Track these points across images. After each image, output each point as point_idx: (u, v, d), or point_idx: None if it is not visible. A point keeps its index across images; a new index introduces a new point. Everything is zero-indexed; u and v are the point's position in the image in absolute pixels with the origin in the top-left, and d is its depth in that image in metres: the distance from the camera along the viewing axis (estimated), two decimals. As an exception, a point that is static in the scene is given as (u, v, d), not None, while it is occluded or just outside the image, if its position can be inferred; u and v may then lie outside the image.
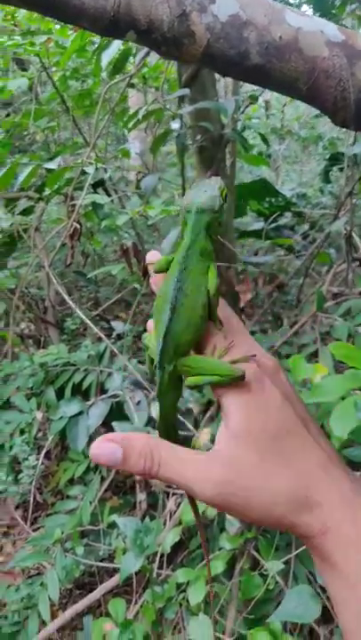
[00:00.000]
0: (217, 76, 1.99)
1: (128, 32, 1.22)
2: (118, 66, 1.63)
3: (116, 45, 1.53)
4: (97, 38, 2.62)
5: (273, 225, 2.52)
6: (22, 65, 4.02)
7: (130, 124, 1.62)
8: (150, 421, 1.82)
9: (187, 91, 1.43)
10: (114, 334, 1.93)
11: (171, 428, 0.55)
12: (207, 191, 0.52)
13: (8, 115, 2.94)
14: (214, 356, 0.48)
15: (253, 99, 1.93)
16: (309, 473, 0.40)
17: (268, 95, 3.71)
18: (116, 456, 0.42)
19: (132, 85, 2.17)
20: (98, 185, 2.16)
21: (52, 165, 1.56)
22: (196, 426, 1.77)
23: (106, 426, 2.00)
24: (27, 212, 2.74)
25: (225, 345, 0.48)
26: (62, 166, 1.58)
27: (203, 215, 0.51)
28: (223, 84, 2.98)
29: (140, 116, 1.48)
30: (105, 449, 0.43)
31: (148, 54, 1.66)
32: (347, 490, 0.39)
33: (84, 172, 1.81)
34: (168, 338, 0.48)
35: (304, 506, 0.39)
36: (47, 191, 2.33)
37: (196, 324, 0.48)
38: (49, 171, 1.88)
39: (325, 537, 0.38)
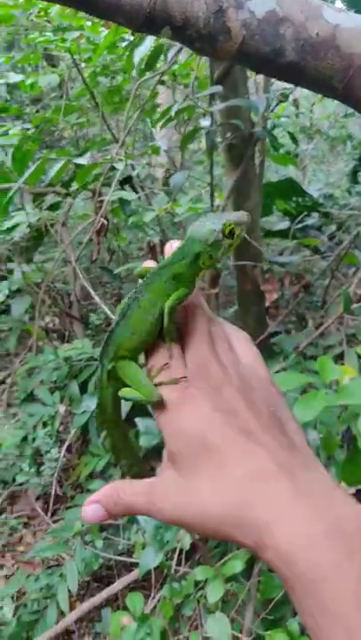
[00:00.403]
0: (248, 72, 1.97)
1: (163, 28, 1.22)
2: (150, 63, 1.63)
3: (149, 42, 1.53)
4: (128, 35, 2.63)
5: (300, 225, 2.50)
6: (51, 61, 4.05)
7: (161, 122, 1.62)
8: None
9: (219, 88, 1.43)
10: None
11: (112, 425, 0.57)
12: (211, 224, 0.52)
13: (37, 111, 2.97)
14: (150, 373, 0.50)
15: (285, 97, 1.91)
16: (238, 488, 0.39)
17: (298, 93, 3.67)
18: (100, 514, 0.47)
19: (162, 82, 2.17)
20: (125, 181, 2.16)
21: (81, 161, 1.58)
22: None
23: (128, 421, 2.01)
24: (54, 207, 2.76)
25: (161, 364, 0.49)
26: (92, 162, 1.59)
27: (194, 244, 0.52)
28: (254, 81, 2.96)
29: (172, 113, 1.48)
30: (89, 511, 0.47)
31: (179, 51, 1.65)
32: (286, 495, 0.37)
33: (112, 168, 1.82)
34: (111, 339, 0.52)
35: (235, 523, 0.38)
36: (74, 186, 2.35)
37: (140, 335, 0.51)
38: (78, 166, 1.89)
39: (267, 553, 0.36)
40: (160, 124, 1.64)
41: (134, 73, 2.66)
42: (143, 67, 1.64)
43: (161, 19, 1.24)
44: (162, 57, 2.01)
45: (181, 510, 0.41)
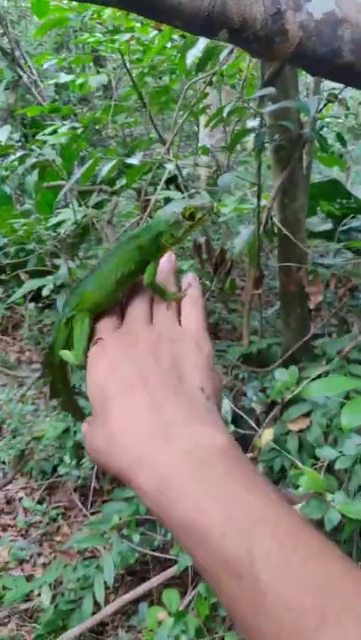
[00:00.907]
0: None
1: (220, 31, 1.23)
2: (201, 64, 1.64)
3: (202, 44, 1.54)
4: (175, 36, 2.65)
5: (344, 227, 2.47)
6: (98, 62, 4.12)
7: (212, 123, 1.63)
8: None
9: (272, 90, 1.43)
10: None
11: (58, 365, 0.63)
12: (175, 207, 0.60)
13: (83, 109, 3.03)
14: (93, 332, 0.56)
15: (334, 97, 1.89)
16: (125, 433, 0.43)
17: (345, 93, 3.61)
18: None
19: (210, 83, 2.17)
20: (170, 181, 2.18)
21: (133, 161, 1.60)
22: (258, 425, 1.77)
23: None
24: (98, 205, 2.81)
25: (108, 324, 0.56)
26: (142, 162, 1.61)
27: (159, 224, 0.58)
28: (303, 82, 2.93)
29: (224, 115, 1.49)
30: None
31: (231, 52, 1.66)
32: (169, 455, 0.41)
33: (158, 168, 1.84)
34: (77, 290, 0.58)
35: (137, 464, 0.42)
36: (117, 185, 2.39)
37: (101, 292, 0.56)
38: (126, 166, 1.92)
39: (138, 489, 0.41)
40: (211, 124, 1.64)
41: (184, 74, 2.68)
42: (195, 68, 1.65)
43: (218, 21, 1.25)
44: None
45: (92, 453, 0.47)
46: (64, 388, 0.66)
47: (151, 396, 0.44)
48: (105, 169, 1.68)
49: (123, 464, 0.42)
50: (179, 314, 0.54)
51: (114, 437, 0.44)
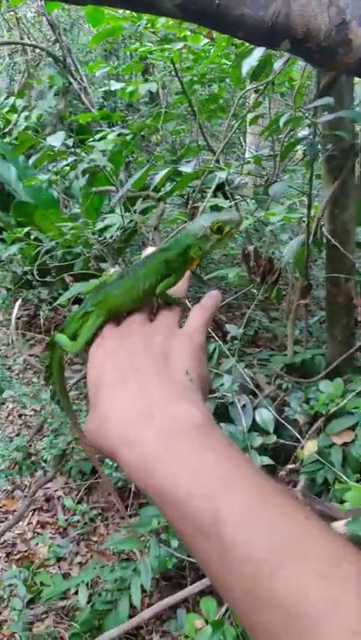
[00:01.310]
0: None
1: (283, 41, 1.23)
2: (257, 73, 1.65)
3: (258, 54, 1.55)
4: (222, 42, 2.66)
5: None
6: (145, 70, 4.17)
7: (266, 132, 1.63)
8: (254, 426, 1.82)
9: (330, 100, 1.42)
10: (228, 337, 1.95)
11: (59, 352, 0.67)
12: (204, 220, 0.60)
13: (128, 116, 3.07)
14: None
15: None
16: (111, 412, 0.47)
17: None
18: None
19: (256, 90, 2.18)
20: (217, 189, 2.19)
21: (186, 169, 1.62)
22: (302, 436, 1.75)
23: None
24: (143, 211, 2.85)
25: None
26: (195, 169, 1.63)
27: (187, 237, 0.60)
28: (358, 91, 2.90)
29: (281, 124, 1.49)
30: None
31: (287, 62, 1.66)
32: (148, 430, 0.44)
33: (210, 172, 1.85)
34: (103, 289, 0.61)
35: (125, 442, 0.45)
36: (162, 191, 2.41)
37: (125, 297, 0.59)
38: (175, 173, 1.94)
39: (120, 460, 0.45)
40: (264, 133, 1.64)
41: (228, 81, 2.69)
42: (251, 77, 1.66)
43: (282, 32, 1.26)
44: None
45: (88, 435, 0.49)
46: (58, 376, 0.69)
47: (139, 380, 0.49)
48: (158, 176, 1.70)
49: (112, 443, 0.46)
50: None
51: (105, 419, 0.47)
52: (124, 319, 0.59)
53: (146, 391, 0.48)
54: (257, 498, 0.37)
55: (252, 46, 1.73)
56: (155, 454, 0.42)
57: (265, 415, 1.81)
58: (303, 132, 1.95)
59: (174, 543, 1.81)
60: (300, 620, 0.31)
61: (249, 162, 2.27)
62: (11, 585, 1.97)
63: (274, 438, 1.76)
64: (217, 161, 1.98)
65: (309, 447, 1.68)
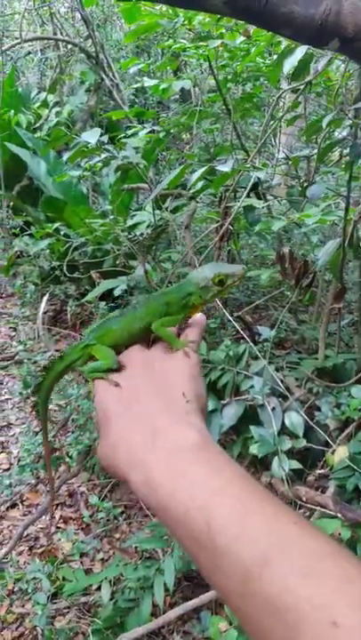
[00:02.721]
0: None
1: (332, 40, 1.21)
2: (298, 73, 1.62)
3: (300, 53, 1.53)
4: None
5: None
6: (177, 67, 4.16)
7: (308, 133, 1.61)
8: (283, 429, 1.80)
9: (376, 100, 1.39)
10: (260, 339, 1.93)
11: (51, 379, 0.71)
12: (208, 271, 0.64)
13: (173, 114, 3.06)
14: None
15: None
16: (125, 444, 0.51)
17: None
18: None
19: (295, 91, 2.15)
20: (251, 189, 2.17)
21: (224, 168, 1.60)
22: (333, 441, 1.72)
23: (235, 429, 2.01)
24: (175, 209, 2.84)
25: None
26: (232, 169, 1.61)
27: (190, 285, 0.64)
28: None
29: (323, 125, 1.46)
30: None
31: (330, 61, 1.63)
32: (149, 453, 0.49)
33: (244, 172, 1.83)
34: (104, 323, 0.66)
35: (135, 466, 0.50)
36: (192, 190, 2.40)
37: (123, 333, 0.64)
38: (209, 172, 1.92)
39: (130, 484, 0.50)
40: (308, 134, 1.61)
41: (265, 81, 2.66)
42: (292, 76, 1.63)
43: (331, 30, 1.23)
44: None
45: (102, 462, 0.55)
46: (42, 405, 0.73)
47: (142, 409, 0.54)
48: (194, 175, 1.69)
49: (122, 468, 0.51)
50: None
51: (114, 447, 0.53)
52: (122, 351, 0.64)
53: (148, 419, 0.52)
54: (246, 507, 0.41)
55: (294, 45, 1.70)
56: (156, 475, 0.47)
57: (295, 419, 1.78)
58: (342, 134, 1.91)
59: (199, 544, 1.79)
60: (285, 614, 0.34)
61: (287, 162, 2.24)
62: (34, 579, 1.98)
63: (303, 442, 1.74)
64: (252, 161, 1.96)
65: (340, 453, 1.65)
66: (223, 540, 0.39)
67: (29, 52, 5.62)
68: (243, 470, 0.47)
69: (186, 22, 2.33)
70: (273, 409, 1.78)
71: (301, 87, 1.89)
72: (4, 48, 4.20)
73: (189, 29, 2.46)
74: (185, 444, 0.48)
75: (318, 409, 1.84)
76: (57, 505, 2.49)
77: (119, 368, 0.60)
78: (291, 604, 0.34)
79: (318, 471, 1.73)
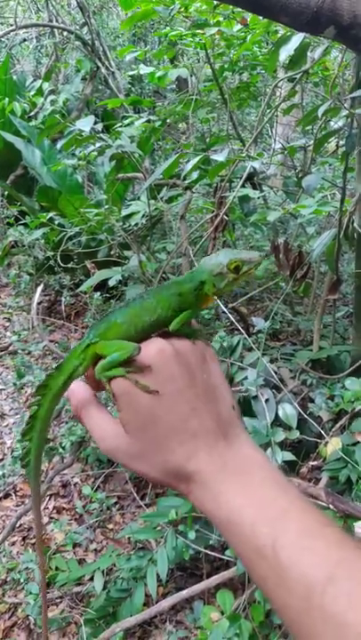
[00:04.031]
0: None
1: (327, 28, 1.19)
2: (295, 62, 1.60)
3: (296, 41, 1.50)
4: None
5: None
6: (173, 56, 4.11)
7: (303, 122, 1.59)
8: (276, 420, 1.80)
9: (373, 89, 1.37)
10: (254, 330, 1.93)
11: (53, 394, 0.60)
12: (222, 257, 0.59)
13: (169, 103, 3.03)
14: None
15: None
16: (178, 454, 0.50)
17: None
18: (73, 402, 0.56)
19: (292, 80, 2.13)
20: (247, 179, 2.15)
21: (219, 157, 1.58)
22: (326, 433, 1.72)
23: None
24: (170, 199, 2.82)
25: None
26: (228, 159, 1.59)
27: (202, 273, 0.59)
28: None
29: (319, 114, 1.44)
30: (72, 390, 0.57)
31: (326, 50, 1.61)
32: (210, 468, 0.49)
33: (240, 162, 1.81)
34: (107, 319, 0.58)
35: (176, 475, 0.50)
36: (188, 180, 2.38)
37: (130, 327, 0.57)
38: (205, 162, 1.90)
39: (190, 495, 0.50)
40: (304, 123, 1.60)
41: (262, 70, 2.63)
42: (288, 65, 1.61)
43: (327, 18, 1.21)
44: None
45: (132, 462, 0.52)
46: (42, 426, 0.60)
47: (197, 425, 0.51)
48: (189, 165, 1.67)
49: (171, 479, 0.50)
50: None
51: (162, 456, 0.51)
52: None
53: (202, 427, 0.51)
54: (312, 528, 0.43)
55: (290, 33, 1.68)
56: (217, 488, 0.48)
57: (288, 410, 1.78)
58: (337, 124, 1.89)
59: (191, 535, 1.80)
60: (346, 629, 0.36)
61: (283, 152, 2.22)
62: (27, 569, 1.98)
63: (297, 434, 1.73)
64: (247, 150, 1.94)
65: (333, 445, 1.65)
66: (287, 555, 0.41)
67: (24, 40, 5.55)
68: (297, 489, 0.49)
69: (182, 10, 2.30)
70: (267, 400, 1.77)
71: (298, 76, 1.87)
72: (-2, 35, 4.14)
73: (186, 17, 2.42)
74: (249, 460, 0.50)
75: (312, 400, 1.84)
76: (50, 495, 2.48)
77: (144, 368, 0.52)
78: (353, 622, 0.36)
79: (311, 463, 1.73)
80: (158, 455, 0.51)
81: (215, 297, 0.61)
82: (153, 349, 0.53)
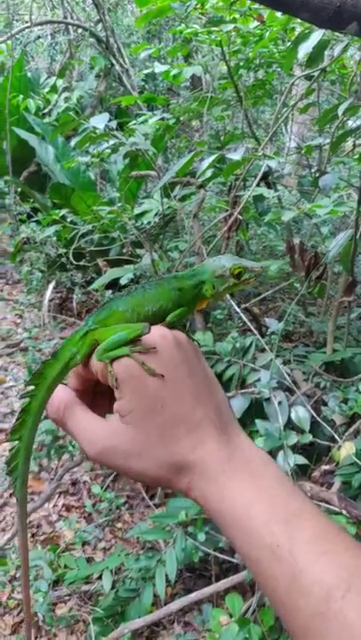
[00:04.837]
0: None
1: (350, 24, 1.17)
2: (313, 59, 1.58)
3: (316, 38, 1.48)
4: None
5: None
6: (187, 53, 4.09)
7: (322, 121, 1.57)
8: (289, 423, 1.78)
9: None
10: (268, 332, 1.91)
11: (48, 384, 0.56)
12: (226, 261, 0.59)
13: (184, 101, 3.01)
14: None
15: None
16: (184, 443, 0.48)
17: None
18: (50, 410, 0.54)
19: (309, 78, 2.10)
20: (262, 178, 2.13)
21: (235, 156, 1.56)
22: (339, 436, 1.70)
23: (240, 422, 1.99)
24: (183, 198, 2.80)
25: None
26: (243, 157, 1.57)
27: (204, 272, 0.59)
28: None
29: (339, 113, 1.42)
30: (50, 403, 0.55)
31: (346, 47, 1.58)
32: (217, 458, 0.47)
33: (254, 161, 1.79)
34: (108, 305, 0.57)
35: (179, 468, 0.48)
36: (201, 178, 2.36)
37: (132, 316, 0.56)
38: (219, 160, 1.88)
39: (191, 491, 0.48)
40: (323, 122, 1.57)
41: (277, 68, 2.60)
42: (306, 62, 1.59)
43: (350, 13, 1.19)
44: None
45: (129, 461, 0.49)
46: (32, 424, 0.55)
47: (195, 404, 0.50)
48: (204, 163, 1.66)
49: (171, 474, 0.48)
50: None
51: (164, 447, 0.48)
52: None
53: (209, 425, 0.49)
54: (327, 531, 0.42)
55: (309, 30, 1.65)
56: (223, 482, 0.46)
57: (301, 413, 1.76)
58: (356, 123, 1.86)
59: (201, 537, 1.79)
60: None
61: (300, 151, 2.19)
62: (36, 566, 1.98)
63: (310, 437, 1.71)
64: (263, 149, 1.92)
65: (346, 449, 1.63)
66: (305, 558, 0.40)
67: (39, 37, 5.55)
68: (304, 494, 0.47)
69: (198, 6, 2.28)
70: (279, 403, 1.76)
71: (315, 74, 1.85)
72: (13, 32, 4.14)
73: (202, 14, 2.40)
74: (257, 459, 0.48)
75: (325, 403, 1.82)
76: (59, 493, 2.49)
77: (152, 348, 0.51)
78: None
79: (324, 467, 1.71)
80: (162, 446, 0.48)
81: (208, 301, 0.61)
82: (156, 333, 0.52)
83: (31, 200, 3.52)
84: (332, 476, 1.69)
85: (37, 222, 3.26)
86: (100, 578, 2.02)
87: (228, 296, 1.81)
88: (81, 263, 2.95)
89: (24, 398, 0.55)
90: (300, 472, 1.84)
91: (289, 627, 0.41)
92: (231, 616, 1.63)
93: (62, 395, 0.54)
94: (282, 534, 0.41)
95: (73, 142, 2.25)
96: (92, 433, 0.51)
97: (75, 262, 2.85)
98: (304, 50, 1.51)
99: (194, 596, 1.57)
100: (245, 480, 0.46)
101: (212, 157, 1.59)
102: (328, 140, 2.00)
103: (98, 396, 0.58)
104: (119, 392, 0.50)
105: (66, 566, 2.09)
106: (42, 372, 0.56)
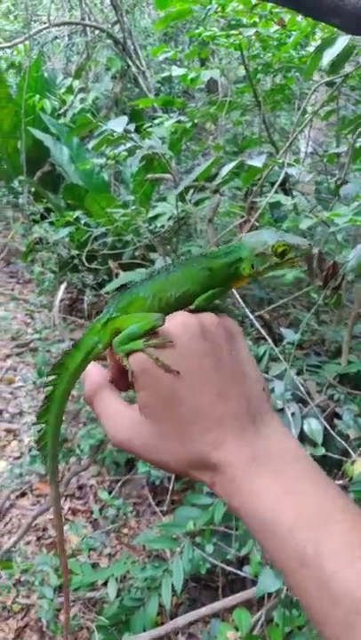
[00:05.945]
0: None
1: (380, 31, 1.14)
2: (337, 65, 1.55)
3: (341, 44, 1.45)
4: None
5: None
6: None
7: (346, 128, 1.54)
8: (301, 435, 1.75)
9: None
10: (284, 342, 1.88)
11: (71, 373, 0.55)
12: (268, 236, 0.52)
13: (202, 105, 2.99)
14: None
15: None
16: (203, 441, 0.46)
17: None
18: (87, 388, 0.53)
19: (331, 84, 2.07)
20: (280, 184, 2.10)
21: (256, 163, 1.54)
22: (353, 451, 1.67)
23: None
24: (198, 202, 2.78)
25: None
26: (264, 164, 1.55)
27: (242, 249, 0.52)
28: None
29: (364, 121, 1.39)
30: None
31: (371, 54, 1.55)
32: (239, 460, 0.45)
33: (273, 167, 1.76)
34: (130, 291, 0.53)
35: (199, 465, 0.46)
36: (216, 181, 2.34)
37: (154, 302, 0.52)
38: (238, 166, 1.86)
39: (215, 487, 0.46)
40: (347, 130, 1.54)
41: (296, 74, 2.57)
42: (330, 68, 1.56)
43: (380, 20, 1.16)
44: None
45: (149, 453, 0.48)
46: (57, 411, 0.55)
47: (226, 407, 0.46)
48: (225, 170, 1.63)
49: (195, 470, 0.46)
50: None
51: (187, 444, 0.46)
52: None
53: (231, 413, 0.46)
54: (356, 534, 0.39)
55: (334, 35, 1.63)
56: (249, 484, 0.43)
57: (314, 425, 1.73)
58: (376, 130, 1.83)
59: (209, 548, 1.76)
60: None
61: (321, 159, 2.17)
62: (41, 571, 1.96)
63: (322, 450, 1.68)
64: (282, 155, 1.89)
65: (360, 464, 1.59)
66: (332, 565, 0.38)
67: (56, 37, 5.56)
68: (335, 483, 0.44)
69: (219, 9, 2.25)
70: (292, 414, 1.72)
71: (338, 80, 1.82)
72: (31, 32, 4.15)
73: (222, 17, 2.38)
74: (283, 452, 0.45)
75: (339, 416, 1.78)
76: (66, 497, 2.47)
77: (167, 342, 0.47)
78: None
79: (336, 482, 1.67)
80: (180, 443, 0.46)
81: (245, 281, 0.55)
82: (177, 323, 0.48)
83: (44, 200, 3.51)
84: (346, 493, 1.66)
85: (50, 223, 3.25)
86: (105, 584, 2.00)
87: (241, 302, 1.78)
88: (93, 266, 2.94)
89: (47, 387, 0.55)
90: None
91: (323, 636, 0.39)
92: (237, 629, 1.60)
93: (95, 377, 0.53)
94: (309, 540, 0.39)
95: (90, 145, 2.23)
96: (116, 420, 0.50)
97: (87, 265, 2.84)
98: (329, 56, 1.48)
99: (203, 610, 1.54)
100: (270, 479, 0.43)
101: (233, 164, 1.57)
102: (346, 148, 1.97)
103: None
104: (136, 385, 0.48)
105: (71, 571, 2.07)
106: (63, 362, 0.54)
